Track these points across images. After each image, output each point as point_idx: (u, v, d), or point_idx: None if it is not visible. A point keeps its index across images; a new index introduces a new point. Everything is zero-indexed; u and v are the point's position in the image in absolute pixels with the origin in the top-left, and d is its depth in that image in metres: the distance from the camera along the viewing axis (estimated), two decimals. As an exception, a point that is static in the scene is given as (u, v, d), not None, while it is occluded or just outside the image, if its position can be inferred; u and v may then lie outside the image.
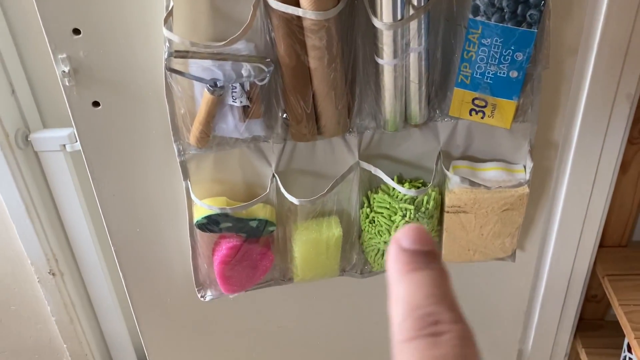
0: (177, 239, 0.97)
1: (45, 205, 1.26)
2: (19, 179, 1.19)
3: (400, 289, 0.28)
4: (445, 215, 0.95)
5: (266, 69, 0.78)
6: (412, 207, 0.91)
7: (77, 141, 1.15)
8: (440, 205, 0.95)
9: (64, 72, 0.79)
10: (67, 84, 0.80)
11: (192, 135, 0.83)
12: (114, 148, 0.87)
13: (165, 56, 0.73)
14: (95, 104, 0.83)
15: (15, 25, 1.04)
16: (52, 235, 1.29)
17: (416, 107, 0.85)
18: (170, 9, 0.71)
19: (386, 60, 0.76)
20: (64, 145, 1.18)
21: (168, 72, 0.75)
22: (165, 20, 0.71)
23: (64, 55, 0.78)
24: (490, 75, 0.81)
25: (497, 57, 0.79)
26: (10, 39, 1.07)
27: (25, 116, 1.18)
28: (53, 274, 1.32)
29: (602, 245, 1.16)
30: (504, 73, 0.80)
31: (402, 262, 0.29)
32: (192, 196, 0.88)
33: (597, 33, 0.88)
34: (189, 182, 0.88)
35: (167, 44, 0.73)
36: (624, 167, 1.06)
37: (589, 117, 0.95)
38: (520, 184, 0.90)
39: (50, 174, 1.22)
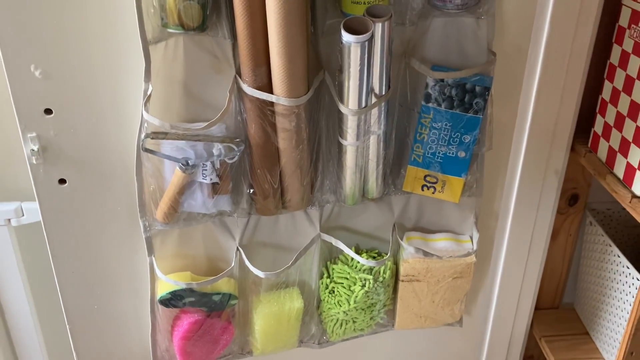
0: (136, 315, 0.96)
1: (-17, 283, 1.20)
2: (-43, 255, 1.13)
3: None
4: (400, 284, 1.00)
5: (236, 148, 0.82)
6: (370, 277, 0.95)
7: (23, 215, 1.13)
8: (395, 275, 1.01)
9: (32, 150, 0.80)
10: (34, 162, 0.80)
11: (160, 211, 0.84)
12: (77, 225, 0.87)
13: (143, 137, 0.76)
14: (62, 181, 0.83)
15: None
16: (-12, 314, 1.22)
17: (374, 184, 0.91)
18: (149, 93, 0.74)
19: (349, 141, 0.82)
20: (9, 220, 1.15)
21: (143, 151, 0.77)
22: (145, 105, 0.74)
23: (34, 135, 0.79)
24: (440, 154, 0.89)
25: (447, 139, 0.87)
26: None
27: (-33, 190, 1.14)
28: (-14, 356, 1.24)
29: (537, 307, 1.24)
30: (453, 153, 0.89)
31: None
32: (157, 271, 0.89)
33: (528, 115, 0.98)
34: (153, 258, 0.89)
35: (145, 125, 0.75)
36: (554, 234, 1.16)
37: (523, 190, 1.04)
38: (468, 254, 0.98)
39: (-8, 250, 1.17)
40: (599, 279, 1.13)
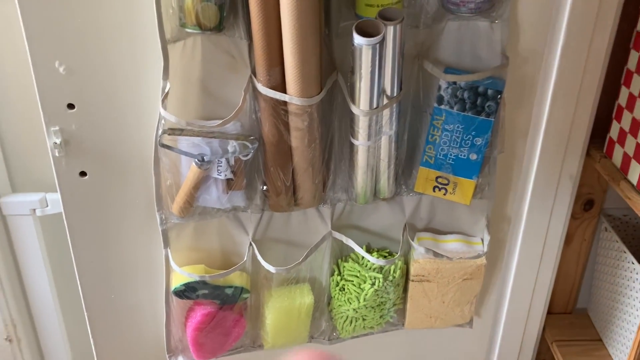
0: (151, 305, 0.99)
1: (8, 270, 1.24)
2: (-16, 242, 1.18)
3: None
4: (410, 283, 1.01)
5: (250, 146, 0.84)
6: (380, 275, 0.96)
7: (47, 206, 1.17)
8: (405, 274, 1.02)
9: (55, 143, 0.83)
10: (57, 154, 0.84)
11: (176, 205, 0.87)
12: (96, 216, 0.90)
13: (159, 133, 0.78)
14: (82, 173, 0.86)
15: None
16: (13, 300, 1.26)
17: (385, 183, 0.92)
18: (166, 91, 0.77)
19: (361, 141, 0.84)
20: (34, 210, 1.19)
21: (160, 147, 0.80)
22: (163, 102, 0.76)
23: (57, 128, 0.82)
24: (452, 156, 0.90)
25: (459, 141, 0.88)
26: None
27: (-5, 180, 1.19)
28: (10, 340, 1.29)
29: (549, 312, 1.24)
30: (464, 155, 0.89)
31: None
32: (172, 263, 0.91)
33: (543, 120, 0.98)
34: (169, 250, 0.92)
35: (162, 122, 0.78)
36: (568, 239, 1.16)
37: (537, 194, 1.04)
38: (478, 255, 0.98)
39: (17, 238, 1.22)
40: (613, 285, 1.13)
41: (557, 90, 0.95)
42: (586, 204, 1.14)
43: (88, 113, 0.82)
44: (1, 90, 1.09)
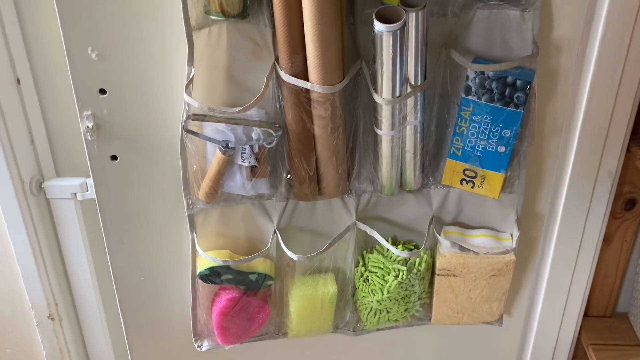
0: (178, 289, 1.01)
1: (51, 251, 1.30)
2: (29, 224, 1.24)
3: None
4: (436, 277, 0.99)
5: (274, 134, 0.84)
6: (404, 268, 0.95)
7: (87, 190, 1.22)
8: (432, 268, 1.00)
9: (88, 127, 0.86)
10: (89, 138, 0.87)
11: (202, 190, 0.88)
12: (126, 199, 0.93)
13: (184, 118, 0.80)
14: (113, 157, 0.89)
15: (41, 82, 1.11)
16: (55, 280, 1.32)
17: (411, 175, 0.91)
18: (191, 76, 0.78)
19: (384, 131, 0.83)
20: (75, 194, 1.24)
21: (185, 132, 0.81)
22: (187, 87, 0.78)
23: (89, 113, 0.85)
24: (480, 148, 0.88)
25: (487, 132, 0.86)
26: (35, 95, 1.15)
27: (40, 164, 1.24)
28: (52, 319, 1.35)
29: (587, 314, 1.20)
30: (492, 147, 0.87)
31: None
32: (197, 248, 0.93)
33: (580, 113, 0.95)
34: (195, 235, 0.94)
35: (187, 107, 0.79)
36: (608, 239, 1.12)
37: (573, 191, 1.01)
38: (507, 251, 0.96)
39: (60, 221, 1.27)
40: (654, 289, 1.08)
41: (595, 82, 0.91)
42: (627, 203, 1.09)
43: (119, 98, 0.85)
44: (47, 77, 1.14)
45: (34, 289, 1.31)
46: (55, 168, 1.29)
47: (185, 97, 0.78)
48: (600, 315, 1.22)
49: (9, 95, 1.10)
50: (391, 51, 0.72)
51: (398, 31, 0.70)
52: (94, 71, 0.82)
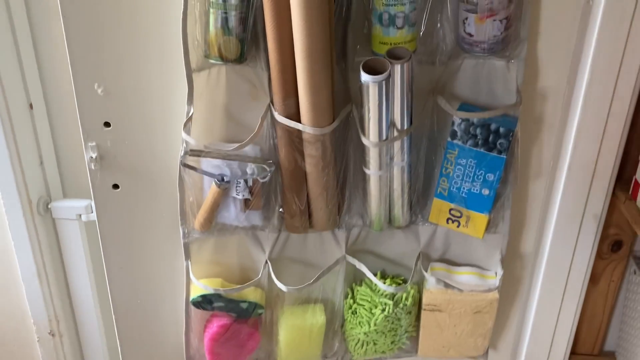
0: (173, 313, 1.05)
1: (55, 269, 1.34)
2: (35, 242, 1.28)
3: None
4: (423, 312, 1.02)
5: (268, 169, 0.88)
6: (391, 302, 0.98)
7: (92, 212, 1.26)
8: (419, 302, 1.03)
9: (92, 157, 0.91)
10: (92, 167, 0.92)
11: (197, 220, 0.93)
12: (126, 226, 0.97)
13: (182, 154, 0.85)
14: (115, 186, 0.94)
15: (52, 108, 1.17)
16: (57, 297, 1.36)
17: (399, 212, 0.95)
18: (190, 115, 0.83)
19: (372, 171, 0.87)
20: (80, 215, 1.28)
21: (182, 167, 0.86)
22: (185, 125, 0.83)
23: (94, 144, 0.90)
24: (465, 190, 0.91)
25: (472, 175, 0.90)
26: (46, 119, 1.20)
27: (48, 186, 1.29)
28: (53, 335, 1.39)
29: (574, 352, 1.21)
30: (477, 190, 0.91)
31: None
32: (191, 275, 0.97)
33: (566, 157, 0.97)
34: (189, 262, 0.97)
35: (184, 144, 0.84)
36: (595, 279, 1.14)
37: (559, 233, 1.03)
38: (490, 290, 0.98)
39: (64, 240, 1.31)
40: (640, 330, 1.09)
41: (581, 128, 0.94)
42: (614, 245, 1.11)
43: (122, 131, 0.90)
44: (58, 104, 1.19)
45: (37, 305, 1.35)
46: (62, 189, 1.34)
47: (184, 135, 0.83)
48: (587, 354, 1.24)
49: (22, 118, 1.15)
50: (377, 99, 0.76)
51: (384, 82, 0.74)
52: (100, 105, 0.87)
